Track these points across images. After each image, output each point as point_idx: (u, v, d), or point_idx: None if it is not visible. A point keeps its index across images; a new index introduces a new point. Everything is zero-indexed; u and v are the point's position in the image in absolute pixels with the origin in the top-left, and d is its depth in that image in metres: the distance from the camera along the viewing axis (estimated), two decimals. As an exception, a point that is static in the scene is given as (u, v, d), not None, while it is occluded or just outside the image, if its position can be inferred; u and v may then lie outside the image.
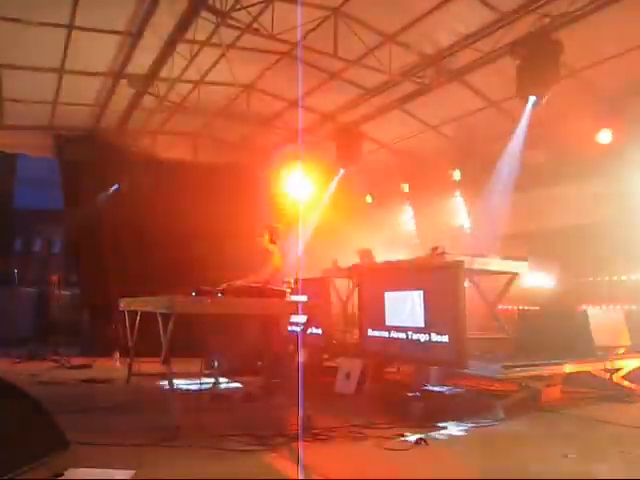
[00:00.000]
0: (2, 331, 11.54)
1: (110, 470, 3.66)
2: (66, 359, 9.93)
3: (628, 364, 6.66)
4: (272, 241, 6.90)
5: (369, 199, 14.01)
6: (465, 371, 5.76)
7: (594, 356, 6.57)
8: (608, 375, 6.53)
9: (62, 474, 3.50)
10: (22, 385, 4.08)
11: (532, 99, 7.64)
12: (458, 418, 5.44)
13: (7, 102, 10.26)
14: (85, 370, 8.96)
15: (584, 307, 7.95)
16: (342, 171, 11.94)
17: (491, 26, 7.74)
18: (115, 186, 11.69)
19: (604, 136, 8.93)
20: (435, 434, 4.86)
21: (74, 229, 12.15)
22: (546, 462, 4.15)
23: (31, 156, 12.73)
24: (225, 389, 6.12)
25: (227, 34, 8.31)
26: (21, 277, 13.86)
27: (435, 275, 5.92)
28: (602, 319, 7.20)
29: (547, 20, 7.13)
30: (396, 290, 6.42)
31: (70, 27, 8.02)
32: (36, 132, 11.44)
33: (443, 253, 6.66)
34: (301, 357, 7.91)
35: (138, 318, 6.53)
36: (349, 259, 8.62)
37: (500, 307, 7.74)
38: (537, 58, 7.11)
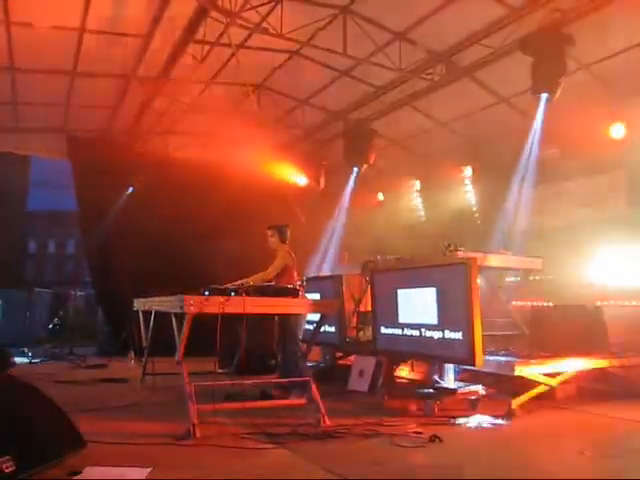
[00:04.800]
0: (19, 331, 11.68)
1: (126, 468, 3.70)
2: (82, 359, 10.04)
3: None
4: (282, 240, 6.91)
5: (381, 196, 14.00)
6: (479, 368, 5.74)
7: (609, 352, 6.53)
8: (623, 372, 6.47)
9: (79, 472, 3.53)
10: (39, 385, 4.13)
11: (544, 97, 7.56)
12: (472, 415, 5.44)
13: (21, 105, 10.37)
14: (100, 370, 9.05)
15: (599, 303, 7.89)
16: (356, 170, 11.71)
17: (501, 21, 7.69)
18: (130, 189, 11.77)
19: (617, 130, 8.85)
20: (449, 431, 4.85)
21: (88, 230, 12.25)
22: (562, 459, 4.13)
23: (44, 158, 12.85)
24: (240, 388, 6.13)
25: (236, 34, 8.34)
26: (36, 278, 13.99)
27: (448, 272, 5.89)
28: (617, 315, 7.14)
29: (558, 14, 7.07)
30: (409, 287, 6.40)
31: (81, 30, 8.09)
32: (49, 134, 11.55)
33: (456, 250, 6.63)
34: (314, 355, 7.93)
35: (152, 318, 6.57)
36: (362, 256, 8.62)
37: (514, 303, 7.70)
38: (548, 53, 7.06)
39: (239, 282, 5.79)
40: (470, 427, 5.11)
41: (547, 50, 7.05)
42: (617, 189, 9.29)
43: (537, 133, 8.97)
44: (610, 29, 7.36)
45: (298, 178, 12.51)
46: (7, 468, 3.17)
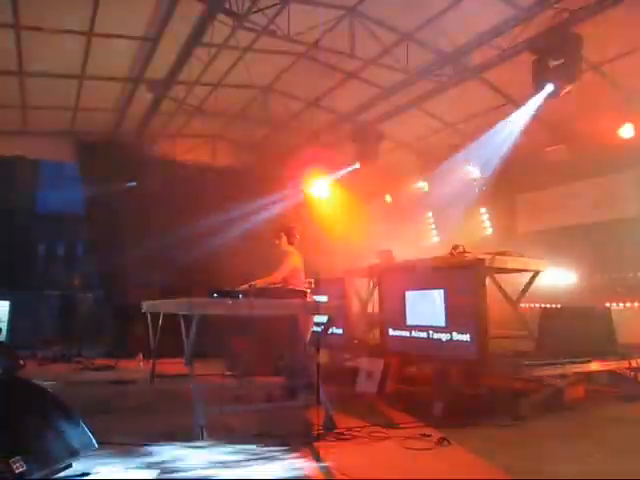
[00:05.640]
0: (28, 333, 11.73)
1: (136, 470, 3.71)
2: (91, 360, 10.07)
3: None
4: (290, 242, 6.91)
5: (388, 199, 13.98)
6: (487, 370, 5.73)
7: (618, 354, 6.50)
8: (632, 373, 6.44)
9: (90, 473, 3.55)
10: (47, 386, 4.15)
11: (550, 88, 7.43)
12: (481, 417, 5.42)
13: (30, 109, 10.43)
14: (109, 371, 9.08)
15: (607, 304, 7.86)
16: (357, 166, 11.65)
17: (509, 22, 7.67)
18: (132, 182, 11.81)
19: (627, 130, 8.81)
20: (458, 433, 4.83)
21: (95, 232, 12.32)
22: (570, 461, 4.11)
23: (53, 161, 12.91)
24: (248, 389, 6.14)
25: (244, 37, 8.36)
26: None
27: (456, 274, 5.90)
28: (626, 316, 7.11)
29: (566, 14, 7.05)
30: (417, 289, 6.40)
31: (89, 34, 8.14)
32: (57, 137, 11.62)
33: (463, 252, 6.62)
34: (322, 357, 7.92)
35: (160, 319, 6.59)
36: (369, 259, 8.62)
37: (522, 305, 7.67)
38: (557, 53, 7.03)
39: (246, 285, 5.78)
40: (478, 429, 5.10)
41: (556, 50, 7.02)
42: (627, 189, 9.24)
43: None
44: (619, 29, 7.33)
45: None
46: (18, 468, 3.19)
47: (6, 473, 3.13)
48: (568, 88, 7.26)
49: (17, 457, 3.23)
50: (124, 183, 11.72)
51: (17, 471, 3.18)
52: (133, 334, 10.61)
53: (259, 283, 5.97)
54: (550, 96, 7.55)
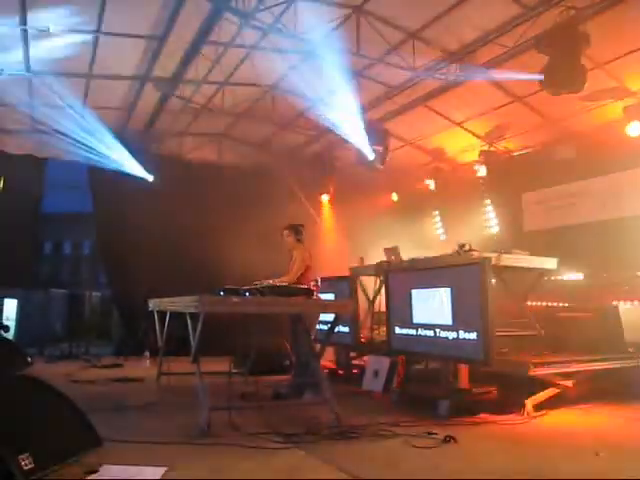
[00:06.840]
0: (36, 332, 11.80)
1: (142, 467, 3.72)
2: (97, 359, 10.12)
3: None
4: (298, 240, 6.91)
5: (395, 197, 13.96)
6: (494, 368, 5.71)
7: (625, 353, 6.47)
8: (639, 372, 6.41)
9: (96, 471, 3.57)
10: (55, 384, 4.17)
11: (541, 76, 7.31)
12: (487, 416, 5.42)
13: (37, 108, 10.47)
14: (116, 369, 9.12)
15: (615, 303, 7.82)
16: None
17: (515, 20, 7.65)
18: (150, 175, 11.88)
19: (634, 128, 8.76)
20: (463, 432, 4.83)
21: (103, 231, 12.37)
22: (577, 460, 4.10)
23: (60, 160, 12.94)
24: (254, 388, 6.15)
25: (250, 35, 8.37)
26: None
27: (463, 272, 5.88)
28: (634, 315, 7.08)
29: (573, 12, 7.02)
30: (423, 287, 6.38)
31: (97, 32, 8.17)
32: (65, 136, 11.65)
33: (470, 250, 6.60)
34: (328, 356, 7.93)
35: (167, 318, 6.61)
36: (376, 257, 8.61)
37: (529, 304, 7.65)
38: (563, 51, 7.00)
39: (260, 282, 5.77)
40: (484, 427, 5.09)
41: (562, 48, 6.99)
42: (633, 188, 9.19)
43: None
44: (626, 27, 7.29)
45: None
46: (26, 465, 3.22)
47: (14, 470, 3.16)
48: (573, 87, 7.22)
49: (25, 454, 3.25)
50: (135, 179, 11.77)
51: (25, 468, 3.20)
52: (140, 332, 10.66)
53: (273, 282, 5.93)
54: (541, 84, 7.43)
